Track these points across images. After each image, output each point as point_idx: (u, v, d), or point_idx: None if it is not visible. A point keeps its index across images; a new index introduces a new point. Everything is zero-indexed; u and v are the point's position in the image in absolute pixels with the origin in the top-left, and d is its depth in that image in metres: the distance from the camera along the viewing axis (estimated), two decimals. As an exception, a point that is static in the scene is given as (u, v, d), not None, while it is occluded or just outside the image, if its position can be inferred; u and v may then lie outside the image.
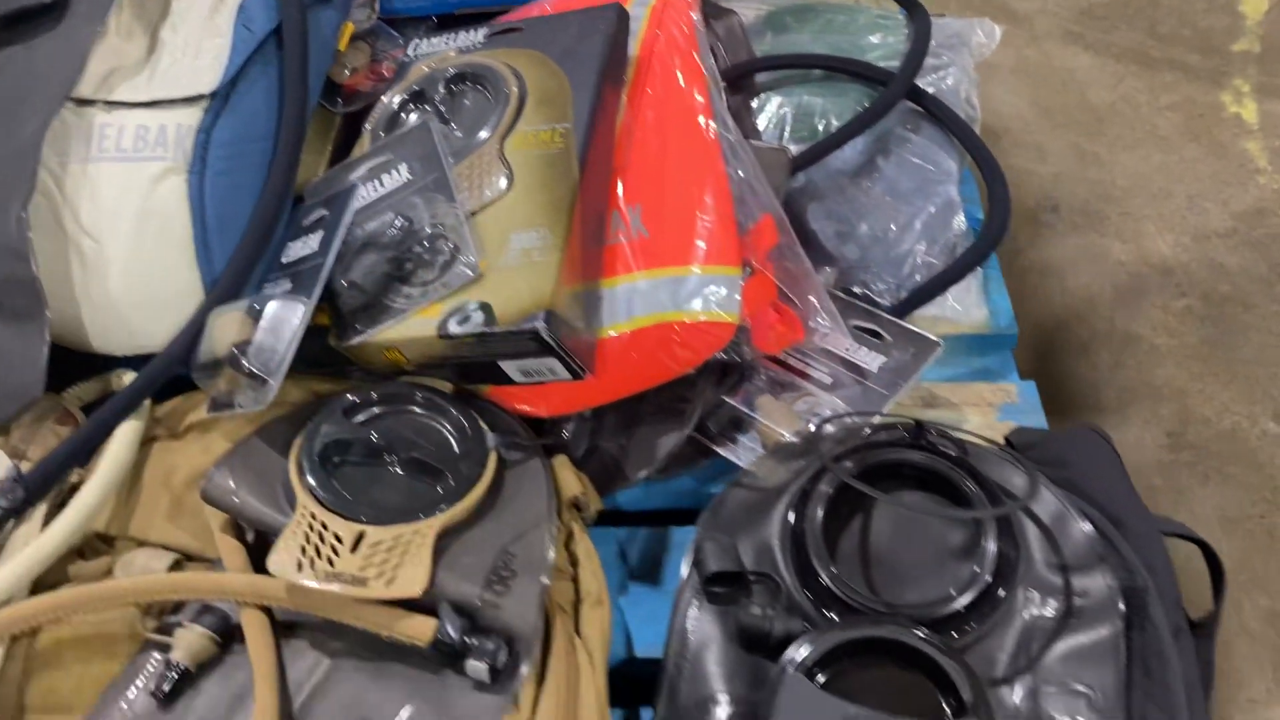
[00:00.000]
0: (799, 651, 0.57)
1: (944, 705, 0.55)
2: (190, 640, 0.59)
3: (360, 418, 0.65)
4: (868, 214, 0.82)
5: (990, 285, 0.84)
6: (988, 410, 0.76)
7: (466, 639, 0.56)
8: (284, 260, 0.71)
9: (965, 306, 0.81)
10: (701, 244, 0.71)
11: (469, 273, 0.66)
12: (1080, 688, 0.57)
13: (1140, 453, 1.39)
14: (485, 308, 0.64)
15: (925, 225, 0.81)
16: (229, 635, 0.60)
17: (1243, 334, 1.72)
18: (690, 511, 0.74)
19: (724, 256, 0.71)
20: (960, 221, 0.82)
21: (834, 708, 0.54)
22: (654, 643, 0.66)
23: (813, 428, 0.69)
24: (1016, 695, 0.57)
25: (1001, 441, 0.70)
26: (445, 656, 0.56)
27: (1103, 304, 1.77)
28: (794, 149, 0.83)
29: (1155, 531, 0.63)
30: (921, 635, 0.56)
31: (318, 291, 0.65)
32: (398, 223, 0.68)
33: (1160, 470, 1.41)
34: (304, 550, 0.57)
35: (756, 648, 0.60)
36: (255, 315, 0.66)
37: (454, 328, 0.64)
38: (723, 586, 0.63)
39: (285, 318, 0.65)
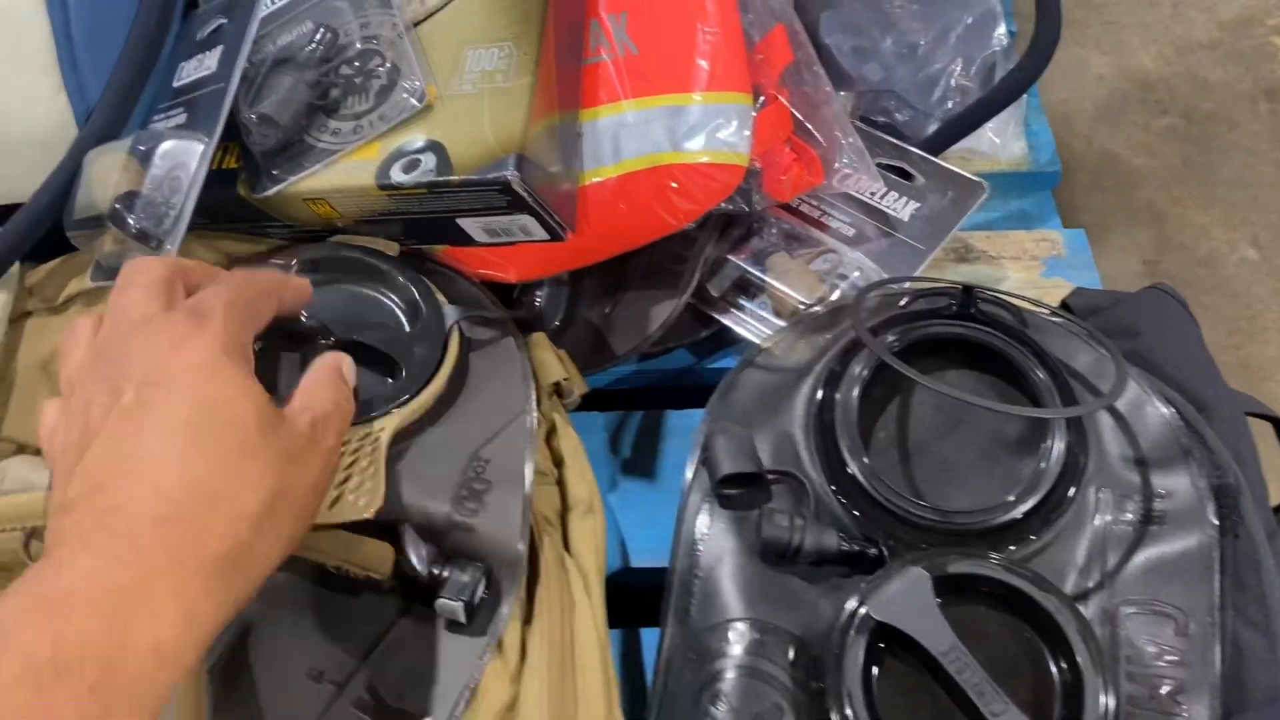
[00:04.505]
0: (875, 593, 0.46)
1: (1045, 654, 0.46)
2: (86, 573, 0.47)
3: (285, 290, 0.52)
4: (893, 25, 0.68)
5: (1028, 113, 0.71)
6: (1031, 265, 0.65)
7: (435, 569, 0.45)
8: (176, 84, 0.56)
9: (1003, 139, 0.68)
10: (703, 63, 0.57)
11: (414, 102, 0.52)
12: (1166, 608, 0.48)
13: (1116, 281, 1.31)
14: (438, 149, 0.50)
15: (961, 40, 0.68)
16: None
17: (1224, 154, 1.63)
18: (686, 391, 0.64)
19: (732, 80, 0.57)
20: (1001, 35, 0.69)
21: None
22: (652, 549, 0.56)
23: (837, 294, 0.58)
24: (1089, 616, 0.49)
25: (1055, 304, 0.59)
26: (410, 591, 0.46)
27: (1081, 121, 1.65)
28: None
29: (1240, 414, 0.54)
30: (1026, 574, 0.47)
31: (220, 125, 0.51)
32: (319, 35, 0.53)
33: (1136, 299, 1.35)
34: (222, 464, 0.45)
35: (781, 562, 0.51)
36: (142, 158, 0.52)
37: (398, 176, 0.51)
38: (737, 488, 0.53)
39: (180, 161, 0.51)
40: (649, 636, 0.53)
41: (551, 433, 0.55)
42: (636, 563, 0.56)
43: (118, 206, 0.50)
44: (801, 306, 0.58)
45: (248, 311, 0.41)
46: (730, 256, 0.62)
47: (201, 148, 0.51)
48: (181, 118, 0.54)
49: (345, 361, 0.45)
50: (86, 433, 0.36)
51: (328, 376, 0.44)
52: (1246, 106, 1.62)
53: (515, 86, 0.51)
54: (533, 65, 0.51)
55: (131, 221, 0.50)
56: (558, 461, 0.54)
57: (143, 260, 0.42)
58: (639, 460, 0.59)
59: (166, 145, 0.51)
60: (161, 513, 0.33)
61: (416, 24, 0.54)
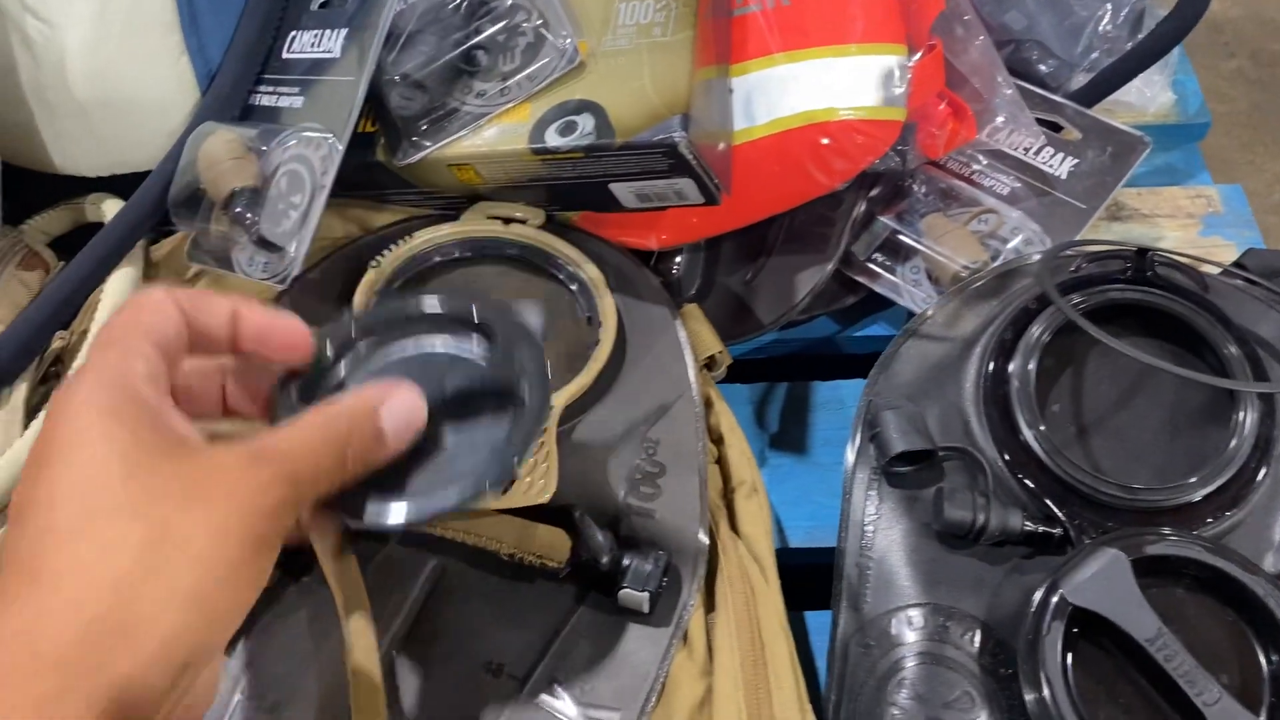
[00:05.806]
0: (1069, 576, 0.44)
1: (1253, 640, 0.44)
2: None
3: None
4: (1036, -30, 0.64)
5: (1176, 62, 0.67)
6: (1188, 223, 0.61)
7: (615, 557, 0.43)
8: (286, 55, 0.53)
9: (1151, 90, 0.64)
10: (857, 14, 0.54)
11: (564, 61, 0.49)
12: (1377, 589, 0.46)
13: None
14: (596, 111, 0.47)
15: (1108, -16, 0.64)
16: (287, 560, 0.46)
17: (1294, 99, 1.57)
18: (828, 360, 0.61)
19: (887, 31, 0.54)
20: (1150, -22, 0.65)
21: None
22: (809, 528, 0.54)
23: (1001, 258, 0.55)
24: (1291, 598, 0.46)
25: (1224, 265, 0.56)
26: (586, 580, 0.44)
27: (1147, 66, 1.59)
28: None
29: None
30: (1230, 555, 0.44)
31: (350, 126, 0.48)
32: (462, -10, 0.50)
33: (1206, 251, 1.32)
34: (387, 448, 0.43)
35: (960, 544, 0.48)
36: (258, 149, 0.49)
37: (553, 139, 0.48)
38: (907, 465, 0.50)
39: (299, 154, 0.48)
40: (813, 620, 0.51)
41: (707, 409, 0.52)
42: (795, 543, 0.53)
43: (237, 210, 0.47)
44: (963, 272, 0.55)
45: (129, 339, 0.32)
46: (880, 216, 0.59)
47: (329, 144, 0.48)
48: (296, 100, 0.51)
49: (396, 401, 0.34)
50: None
51: (336, 427, 0.33)
52: (1316, 49, 1.57)
53: (676, 41, 0.48)
54: (692, 18, 0.48)
55: (250, 225, 0.47)
56: (716, 439, 0.51)
57: None
58: (788, 434, 0.57)
59: (291, 145, 0.48)
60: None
61: (560, -25, 0.51)
